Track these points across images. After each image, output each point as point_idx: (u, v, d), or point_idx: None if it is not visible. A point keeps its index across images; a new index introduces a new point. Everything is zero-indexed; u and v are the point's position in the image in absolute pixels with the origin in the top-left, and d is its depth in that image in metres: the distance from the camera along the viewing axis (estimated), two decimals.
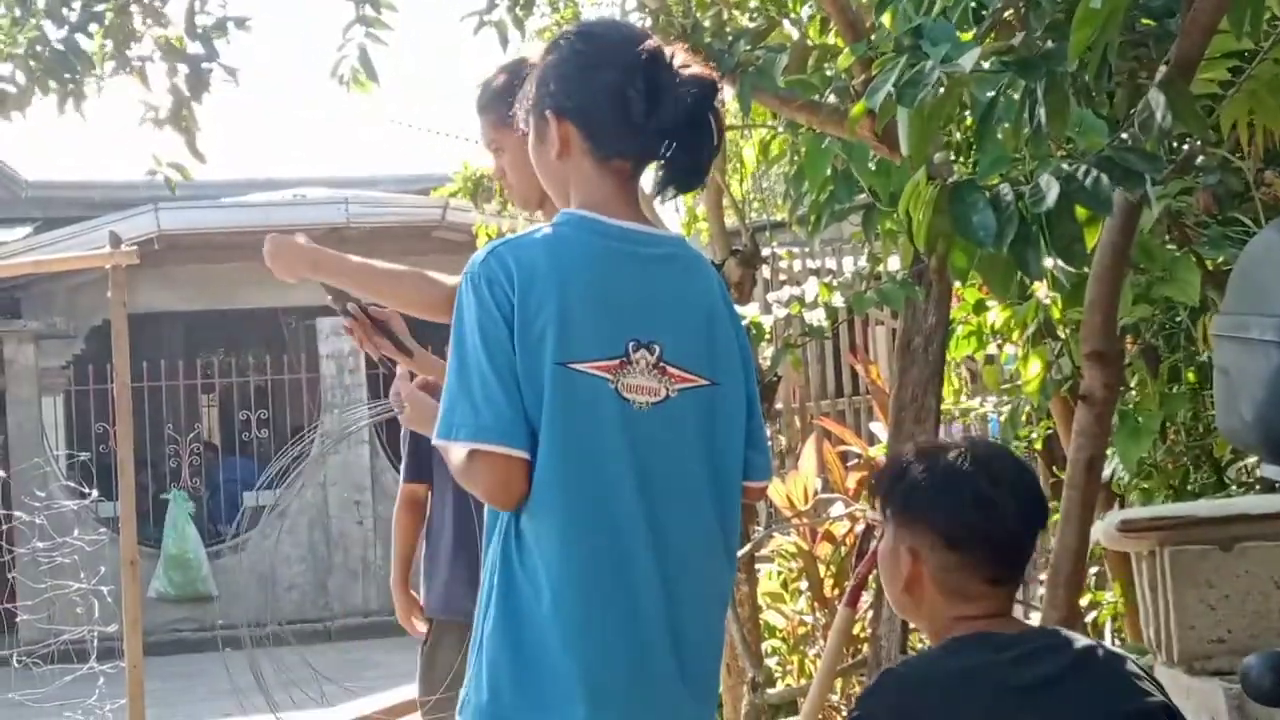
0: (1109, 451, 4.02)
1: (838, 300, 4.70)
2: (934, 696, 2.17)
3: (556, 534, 2.30)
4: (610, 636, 2.30)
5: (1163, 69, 2.89)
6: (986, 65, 2.69)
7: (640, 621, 2.33)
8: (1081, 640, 2.33)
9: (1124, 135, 2.72)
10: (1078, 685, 2.19)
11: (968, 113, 3.61)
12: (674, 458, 2.39)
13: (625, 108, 2.40)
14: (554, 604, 2.29)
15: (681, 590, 2.37)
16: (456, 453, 2.33)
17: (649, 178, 2.55)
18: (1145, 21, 3.03)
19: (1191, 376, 4.60)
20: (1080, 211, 2.61)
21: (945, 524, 2.30)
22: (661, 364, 2.38)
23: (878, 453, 6.42)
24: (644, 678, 2.33)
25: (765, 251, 7.89)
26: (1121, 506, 4.59)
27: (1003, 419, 5.41)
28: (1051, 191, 2.49)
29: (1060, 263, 2.56)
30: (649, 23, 4.75)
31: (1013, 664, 2.20)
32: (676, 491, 2.39)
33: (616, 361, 2.35)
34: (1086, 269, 3.21)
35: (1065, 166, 2.62)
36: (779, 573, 6.53)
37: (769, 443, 2.63)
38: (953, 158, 3.94)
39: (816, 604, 6.24)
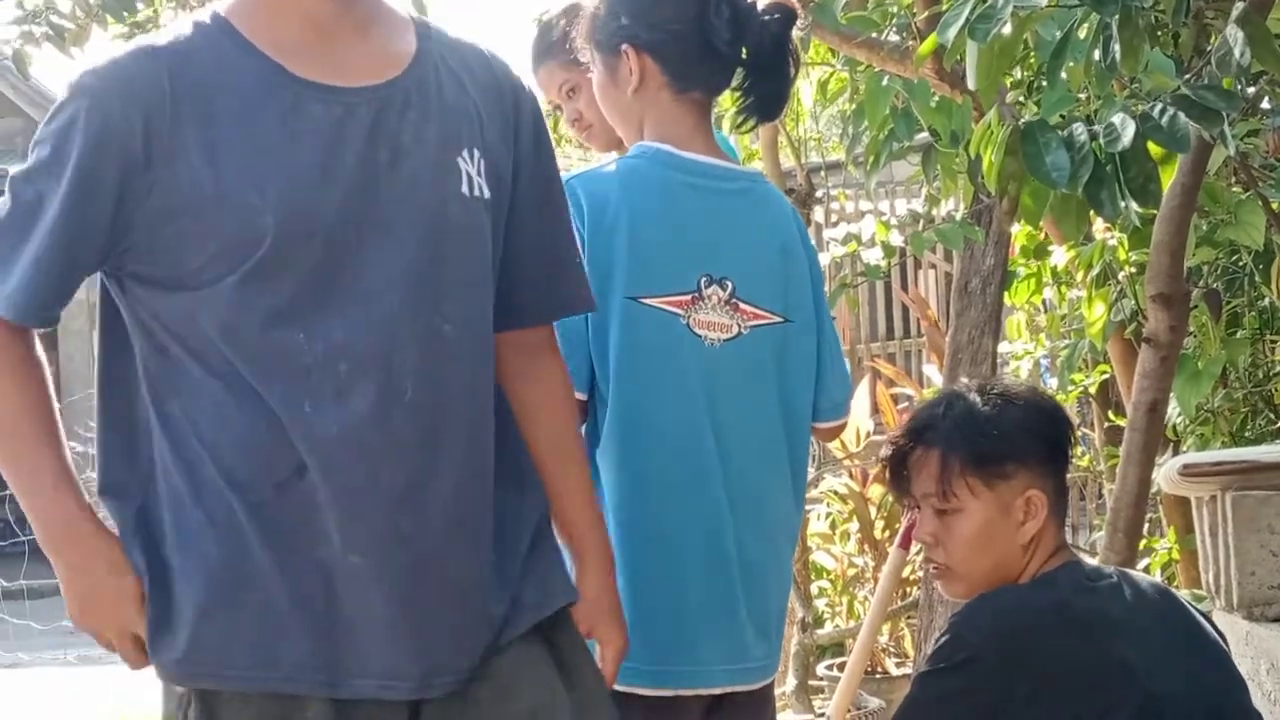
0: None
1: (895, 239, 4.66)
2: (1035, 628, 2.13)
3: (628, 469, 2.30)
4: (679, 573, 2.29)
5: (1238, 5, 2.84)
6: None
7: (710, 557, 2.32)
8: (1134, 574, 2.35)
9: (1199, 73, 2.67)
10: (1155, 616, 2.19)
11: (1031, 51, 3.57)
12: (747, 395, 2.37)
13: (708, 37, 2.36)
14: (622, 540, 2.27)
15: (752, 528, 2.36)
16: None
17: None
18: None
19: (1253, 321, 4.55)
20: (1153, 151, 2.58)
21: (1049, 449, 2.27)
22: (734, 300, 2.36)
23: (931, 395, 6.39)
24: (712, 614, 2.32)
25: (819, 192, 7.86)
26: (1176, 452, 4.55)
27: (1059, 362, 5.37)
28: (1127, 130, 2.44)
29: (1133, 204, 2.52)
30: None
31: (1105, 594, 2.18)
32: (749, 429, 2.37)
33: (688, 297, 2.33)
34: (1156, 210, 3.17)
35: (1137, 105, 2.58)
36: (828, 514, 6.53)
37: (848, 378, 2.59)
38: (1020, 100, 3.89)
39: (866, 546, 6.24)
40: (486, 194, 1.95)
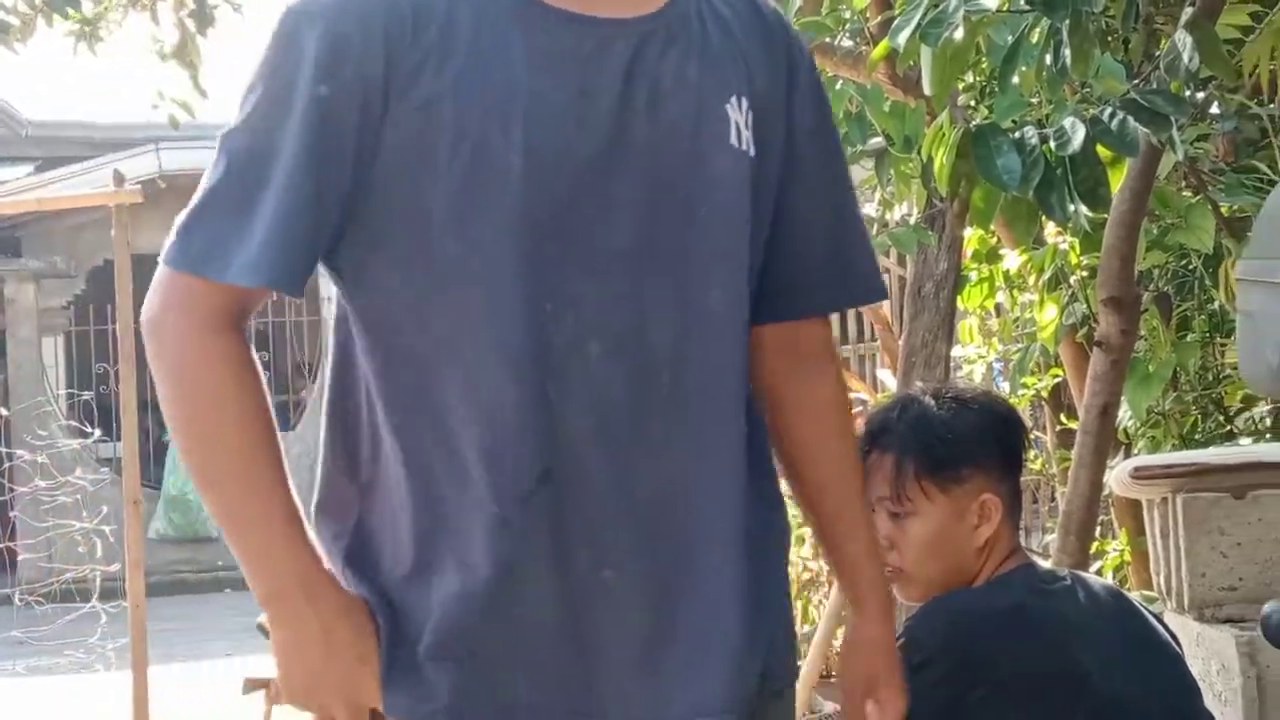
0: None
1: None
2: (990, 630, 2.13)
3: None
4: None
5: (1187, 11, 2.86)
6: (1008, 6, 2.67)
7: None
8: (1087, 576, 2.36)
9: (1148, 78, 2.70)
10: (1109, 619, 2.19)
11: (984, 56, 3.59)
12: None
13: None
14: None
15: None
16: None
17: None
18: None
19: (1203, 325, 4.58)
20: (1102, 154, 2.60)
21: (1003, 453, 2.25)
22: None
23: (885, 400, 6.39)
24: None
25: None
26: (1128, 454, 4.58)
27: (1011, 366, 5.40)
28: (1077, 134, 2.46)
29: (1083, 207, 2.54)
30: None
31: (1060, 596, 2.18)
32: None
33: None
34: (1105, 214, 3.19)
35: (1088, 109, 2.60)
36: None
37: None
38: (972, 103, 3.92)
39: (821, 550, 6.24)
40: (752, 150, 1.62)
